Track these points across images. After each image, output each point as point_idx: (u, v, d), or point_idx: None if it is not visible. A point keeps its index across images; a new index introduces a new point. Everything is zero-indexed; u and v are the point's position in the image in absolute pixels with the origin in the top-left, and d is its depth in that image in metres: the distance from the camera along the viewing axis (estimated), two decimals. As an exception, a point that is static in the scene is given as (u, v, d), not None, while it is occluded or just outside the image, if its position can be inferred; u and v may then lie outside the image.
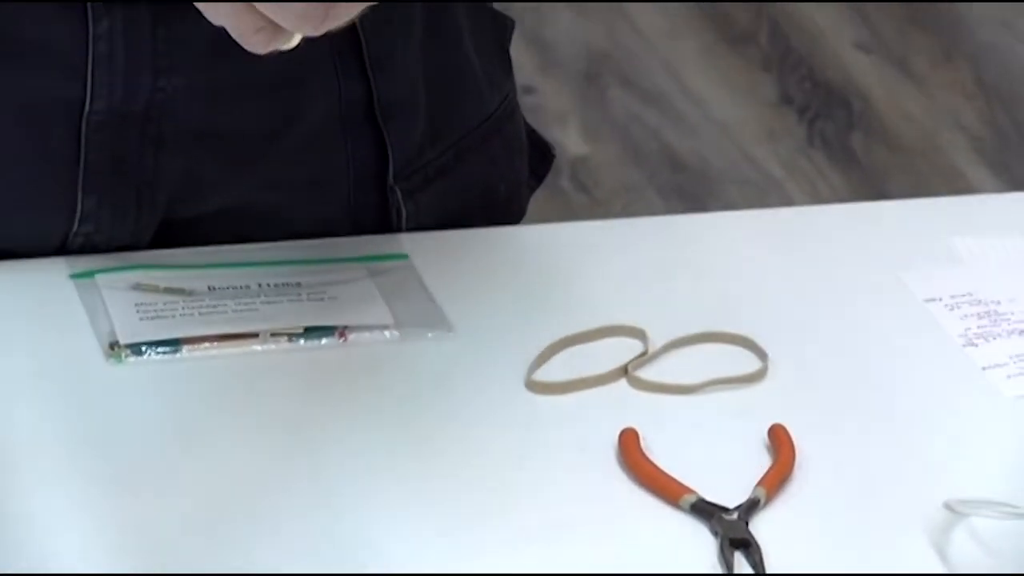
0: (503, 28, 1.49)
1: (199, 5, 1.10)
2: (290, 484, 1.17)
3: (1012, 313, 1.34)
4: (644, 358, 1.27)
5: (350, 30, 1.21)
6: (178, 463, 1.19)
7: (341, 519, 1.15)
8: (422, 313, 1.31)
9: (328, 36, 1.13)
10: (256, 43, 1.10)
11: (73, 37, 1.27)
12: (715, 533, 1.15)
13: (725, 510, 1.16)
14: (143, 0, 1.13)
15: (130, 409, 1.22)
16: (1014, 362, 1.30)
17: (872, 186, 2.94)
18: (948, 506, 1.17)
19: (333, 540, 1.14)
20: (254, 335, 1.27)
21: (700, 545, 1.14)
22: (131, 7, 1.23)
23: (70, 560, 1.10)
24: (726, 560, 1.13)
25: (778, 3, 3.28)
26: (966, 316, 1.34)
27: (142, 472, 1.17)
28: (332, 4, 1.10)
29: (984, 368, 1.29)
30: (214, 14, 1.10)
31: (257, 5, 1.08)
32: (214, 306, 1.29)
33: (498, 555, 1.14)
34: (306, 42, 1.12)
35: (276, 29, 1.10)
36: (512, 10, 1.56)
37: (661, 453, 1.19)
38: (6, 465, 1.17)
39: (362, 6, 1.12)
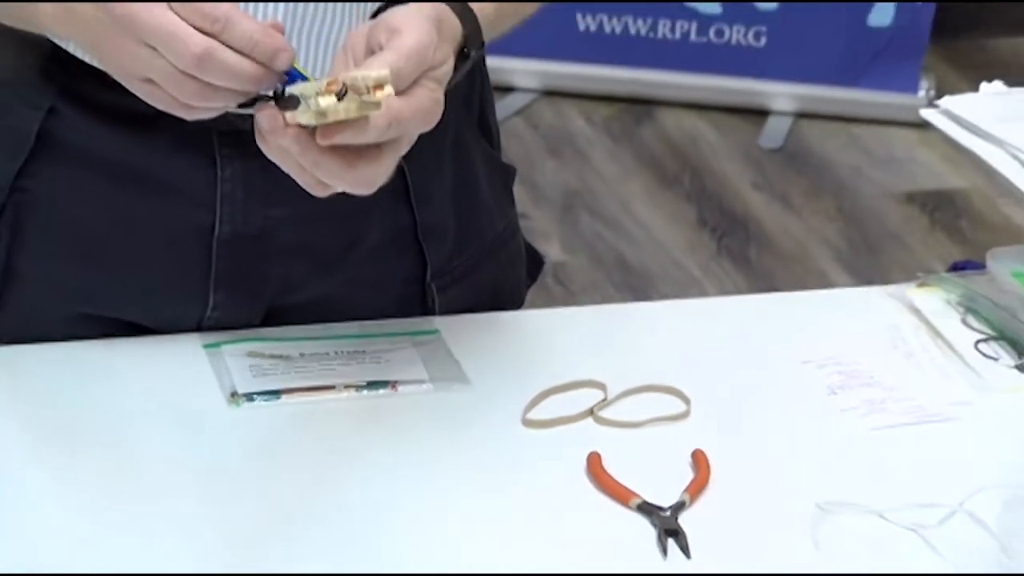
0: (508, 173, 1.48)
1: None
2: (350, 491, 1.18)
3: (862, 372, 1.34)
4: (604, 403, 1.28)
5: (399, 176, 1.22)
6: (274, 478, 1.19)
7: (386, 512, 1.16)
8: (448, 371, 1.30)
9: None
10: (318, 192, 1.12)
11: (206, 180, 1.26)
12: (654, 525, 1.15)
13: (661, 509, 1.16)
14: (256, 153, 1.13)
15: (244, 440, 1.22)
16: (864, 406, 1.30)
17: (763, 284, 2.94)
18: (820, 506, 1.18)
19: (379, 529, 1.14)
20: (332, 387, 1.27)
21: (643, 534, 1.14)
22: (248, 159, 1.22)
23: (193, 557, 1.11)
24: (662, 544, 1.14)
25: (695, 156, 3.28)
26: (830, 374, 1.34)
27: (245, 484, 1.18)
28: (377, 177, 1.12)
29: (842, 410, 1.30)
30: (286, 170, 1.12)
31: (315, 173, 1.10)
32: (304, 367, 1.29)
33: (498, 534, 1.15)
34: None
35: (327, 187, 1.11)
36: (513, 160, 1.58)
37: (616, 469, 1.20)
38: (154, 479, 1.17)
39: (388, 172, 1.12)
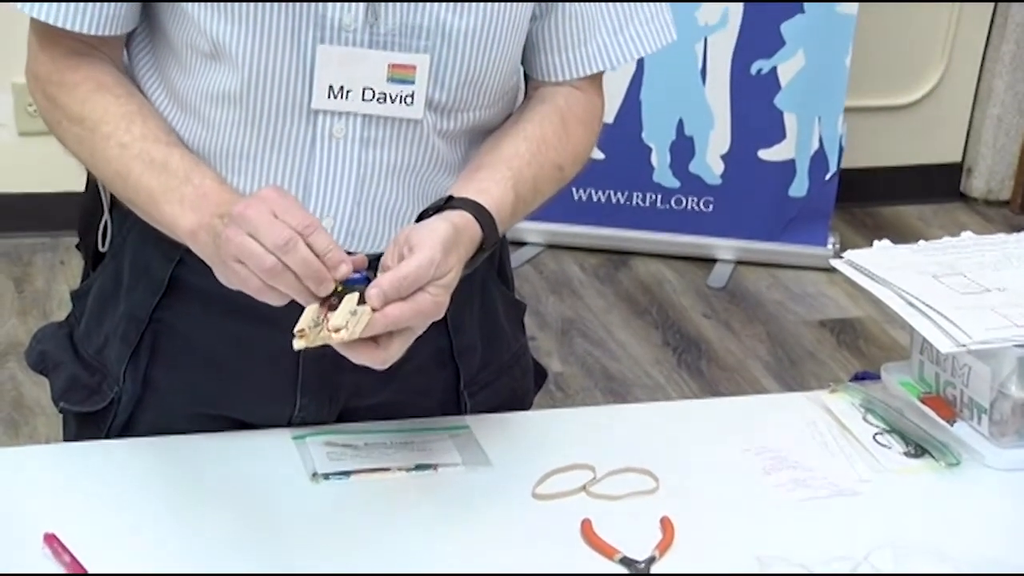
0: (520, 307, 1.47)
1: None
2: (403, 545, 1.16)
3: (789, 457, 1.32)
4: (594, 481, 1.26)
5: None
6: (347, 537, 1.18)
7: (428, 561, 1.15)
8: (476, 457, 1.29)
9: None
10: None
11: (296, 312, 1.15)
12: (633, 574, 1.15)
13: (637, 562, 1.16)
14: None
15: (322, 509, 1.21)
16: (791, 483, 1.29)
17: (712, 390, 2.93)
18: (758, 559, 1.17)
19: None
20: (388, 469, 1.26)
21: (624, 582, 1.14)
22: None
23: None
24: (638, 589, 1.13)
25: (661, 293, 3.29)
26: (765, 459, 1.32)
27: (324, 542, 1.16)
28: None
29: (775, 486, 1.29)
30: None
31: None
32: (368, 453, 1.28)
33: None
34: None
35: None
36: (524, 297, 1.57)
37: (603, 531, 1.19)
38: (258, 539, 1.17)
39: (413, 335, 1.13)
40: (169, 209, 1.16)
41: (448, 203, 1.18)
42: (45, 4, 1.18)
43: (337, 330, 1.07)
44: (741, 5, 3.29)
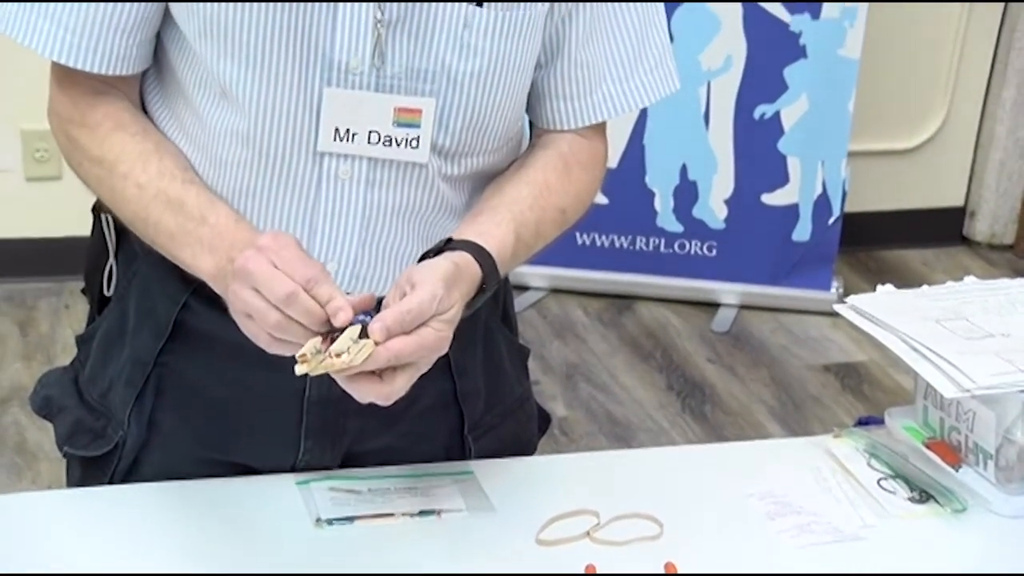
0: (524, 352, 1.48)
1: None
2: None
3: (792, 502, 1.32)
4: (598, 526, 1.26)
5: (443, 355, 1.23)
6: None
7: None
8: (480, 502, 1.29)
9: None
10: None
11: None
12: (637, 619, 1.15)
13: (642, 607, 1.16)
14: None
15: (326, 554, 1.21)
16: (795, 528, 1.29)
17: (716, 434, 2.92)
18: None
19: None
20: (392, 514, 1.26)
21: (629, 625, 1.13)
22: None
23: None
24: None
25: (665, 338, 3.30)
26: (768, 504, 1.32)
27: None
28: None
29: (778, 531, 1.29)
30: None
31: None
32: (371, 499, 1.28)
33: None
34: None
35: None
36: (528, 341, 1.57)
37: (608, 577, 1.19)
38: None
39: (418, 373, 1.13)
40: (189, 252, 1.17)
41: (448, 245, 1.19)
42: (59, 45, 1.19)
43: (339, 355, 1.07)
44: (744, 50, 3.31)
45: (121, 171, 1.20)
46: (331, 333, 1.10)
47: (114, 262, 1.34)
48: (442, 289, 1.12)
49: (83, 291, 1.42)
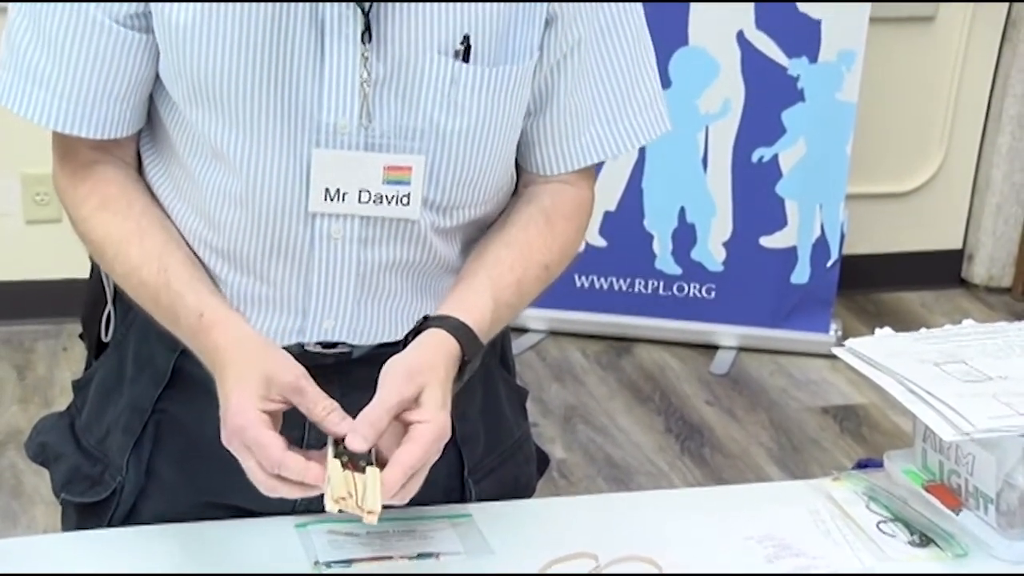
0: (522, 394, 1.48)
1: None
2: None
3: (792, 545, 1.31)
4: (597, 569, 1.26)
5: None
6: None
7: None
8: (478, 544, 1.29)
9: None
10: None
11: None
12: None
13: (641, 652, 1.15)
14: (332, 393, 1.16)
15: (324, 599, 1.22)
16: (794, 572, 1.28)
17: (715, 477, 2.92)
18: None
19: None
20: (391, 557, 1.25)
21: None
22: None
23: None
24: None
25: (663, 380, 3.30)
26: (767, 547, 1.32)
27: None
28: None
29: (778, 575, 1.29)
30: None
31: None
32: (370, 541, 1.27)
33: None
34: None
35: None
36: (526, 384, 1.57)
37: (607, 621, 1.18)
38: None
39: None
40: (175, 333, 1.21)
41: (424, 323, 1.19)
42: (55, 114, 1.20)
43: (344, 498, 1.10)
44: (742, 94, 3.33)
45: (108, 255, 1.23)
46: (344, 460, 1.12)
47: (112, 308, 1.35)
48: (408, 386, 1.13)
49: (81, 336, 1.42)
